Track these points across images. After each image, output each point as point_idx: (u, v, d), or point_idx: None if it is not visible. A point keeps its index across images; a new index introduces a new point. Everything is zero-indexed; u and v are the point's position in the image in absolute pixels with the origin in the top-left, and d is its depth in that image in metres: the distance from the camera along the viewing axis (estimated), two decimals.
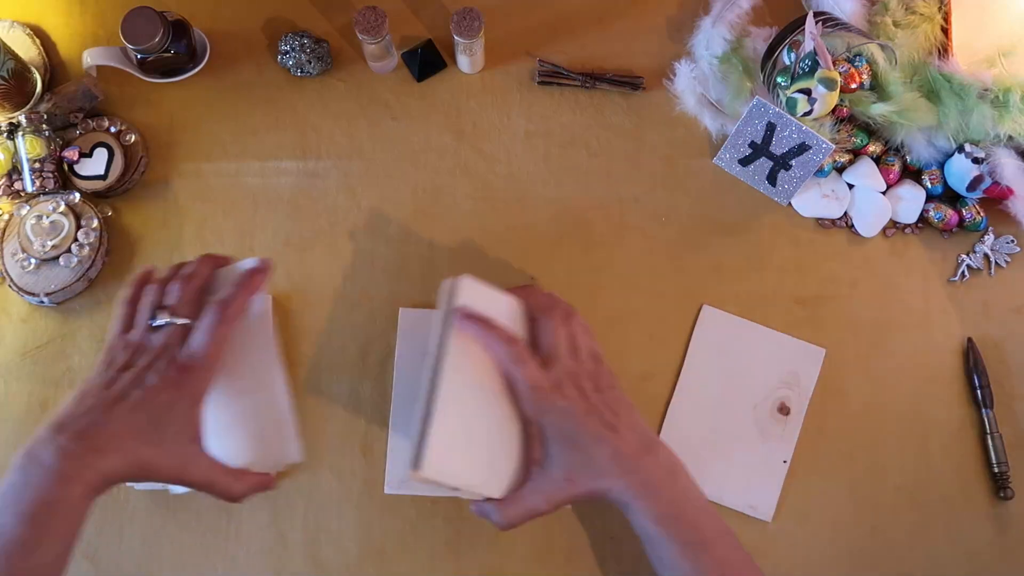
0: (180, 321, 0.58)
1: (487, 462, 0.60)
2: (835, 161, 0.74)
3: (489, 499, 0.59)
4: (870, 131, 0.75)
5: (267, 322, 0.65)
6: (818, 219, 0.75)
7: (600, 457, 0.57)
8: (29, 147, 0.71)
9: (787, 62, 0.71)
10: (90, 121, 0.74)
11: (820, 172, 0.74)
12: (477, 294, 0.62)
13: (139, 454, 0.53)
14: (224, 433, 0.61)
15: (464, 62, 0.76)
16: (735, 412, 0.71)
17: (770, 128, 0.70)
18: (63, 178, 0.73)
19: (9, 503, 0.49)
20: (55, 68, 0.77)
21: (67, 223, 0.71)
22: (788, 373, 0.71)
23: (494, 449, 0.60)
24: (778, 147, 0.71)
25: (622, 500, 0.57)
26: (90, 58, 0.72)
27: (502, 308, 0.63)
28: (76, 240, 0.71)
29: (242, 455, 0.61)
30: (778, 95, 0.71)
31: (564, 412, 0.58)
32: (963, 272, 0.74)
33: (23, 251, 0.71)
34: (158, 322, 0.58)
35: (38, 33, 0.77)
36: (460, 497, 0.62)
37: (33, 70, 0.74)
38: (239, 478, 0.58)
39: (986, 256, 0.75)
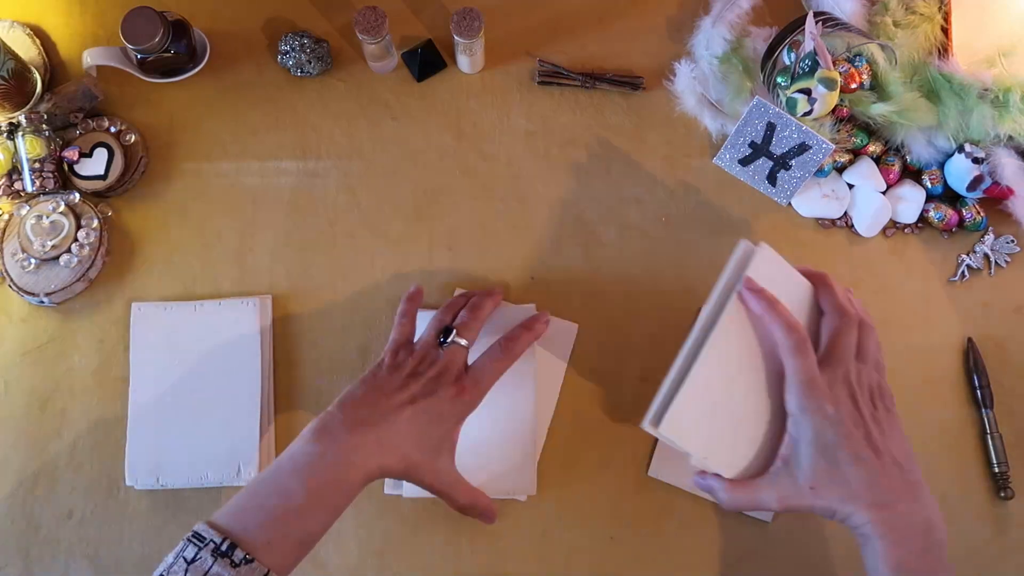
0: (464, 342, 0.63)
1: (727, 438, 0.58)
2: (835, 161, 0.74)
3: (718, 476, 0.58)
4: (870, 131, 0.75)
5: (532, 362, 0.69)
6: (818, 219, 0.75)
7: (854, 479, 0.54)
8: (29, 147, 0.71)
9: (787, 62, 0.71)
10: (90, 121, 0.74)
11: (820, 172, 0.74)
12: (772, 267, 0.60)
13: (413, 458, 0.58)
14: (474, 452, 0.66)
15: (464, 62, 0.76)
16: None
17: (770, 128, 0.70)
18: (63, 178, 0.73)
19: (301, 471, 0.55)
20: (55, 68, 0.77)
21: (67, 223, 0.71)
22: None
23: (738, 429, 0.59)
24: (778, 147, 0.71)
25: (862, 532, 0.55)
26: (90, 58, 0.72)
27: (792, 289, 0.61)
28: (76, 240, 0.71)
29: (482, 476, 0.66)
30: (778, 95, 0.71)
31: (829, 418, 0.55)
32: (963, 272, 0.74)
33: (23, 251, 0.71)
34: (448, 341, 0.62)
35: (38, 33, 0.77)
36: (691, 464, 0.60)
37: (33, 70, 0.74)
38: (475, 497, 0.62)
39: (986, 256, 0.75)
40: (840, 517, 0.56)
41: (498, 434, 0.67)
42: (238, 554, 0.50)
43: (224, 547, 0.50)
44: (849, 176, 0.75)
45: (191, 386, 0.69)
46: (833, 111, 0.71)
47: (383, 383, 0.60)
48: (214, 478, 0.68)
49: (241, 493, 0.54)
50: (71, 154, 0.73)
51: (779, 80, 0.71)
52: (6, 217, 0.72)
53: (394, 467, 0.57)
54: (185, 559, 0.50)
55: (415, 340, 0.64)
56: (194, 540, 0.51)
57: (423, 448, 0.59)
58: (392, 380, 0.60)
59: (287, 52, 0.75)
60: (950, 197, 0.75)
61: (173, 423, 0.68)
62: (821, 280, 0.63)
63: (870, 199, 0.74)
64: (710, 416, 0.58)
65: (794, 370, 0.57)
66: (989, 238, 0.75)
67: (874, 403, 0.58)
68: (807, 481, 0.55)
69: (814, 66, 0.68)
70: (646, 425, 0.58)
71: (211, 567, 0.49)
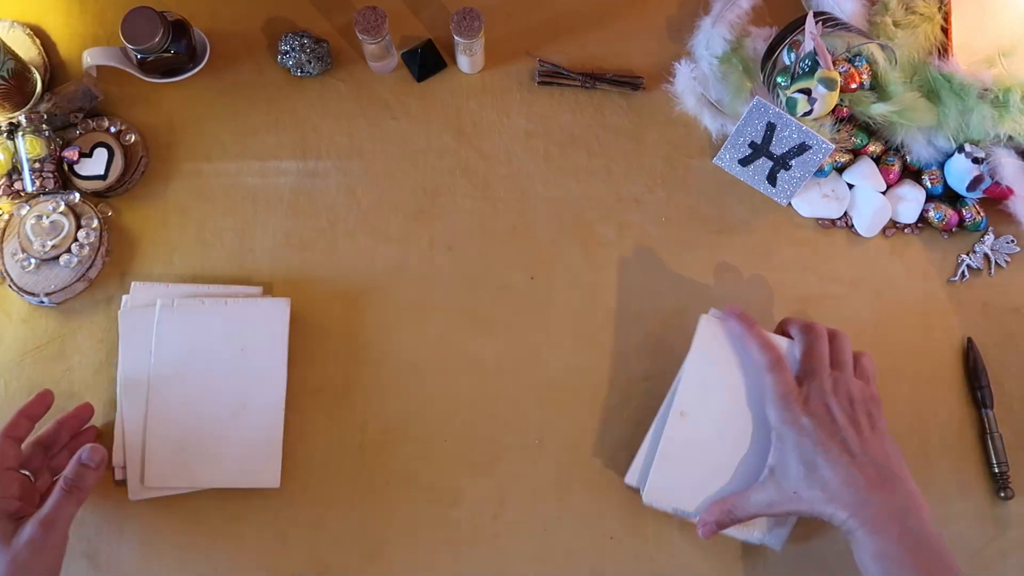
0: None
1: (714, 480, 0.63)
2: (835, 161, 0.74)
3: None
4: (870, 131, 0.75)
5: (282, 352, 0.69)
6: (818, 219, 0.75)
7: (831, 482, 0.58)
8: (29, 147, 0.71)
9: (787, 62, 0.71)
10: (90, 121, 0.74)
11: (820, 172, 0.74)
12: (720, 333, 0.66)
13: None
14: (219, 441, 0.66)
15: (464, 62, 0.76)
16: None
17: (770, 128, 0.70)
18: (63, 178, 0.73)
19: None
20: (55, 68, 0.77)
21: (67, 223, 0.71)
22: None
23: (726, 464, 0.63)
24: (778, 147, 0.71)
25: (846, 529, 0.58)
26: (90, 58, 0.72)
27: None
28: (76, 240, 0.71)
29: (228, 466, 0.66)
30: (778, 95, 0.71)
31: (804, 429, 0.59)
32: (963, 272, 0.74)
33: (23, 251, 0.71)
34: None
35: (38, 33, 0.77)
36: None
37: (33, 70, 0.74)
38: None
39: (986, 256, 0.75)
40: (826, 518, 0.59)
41: (244, 422, 0.67)
42: None
43: None
44: (849, 176, 0.75)
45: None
46: (833, 111, 0.71)
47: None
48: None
49: None
50: (71, 154, 0.73)
51: (779, 80, 0.71)
52: (6, 217, 0.72)
53: None
54: None
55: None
56: None
57: None
58: None
59: (287, 52, 0.75)
60: (950, 197, 0.75)
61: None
62: (783, 321, 0.67)
63: (870, 199, 0.74)
64: (693, 469, 0.64)
65: (771, 386, 0.61)
66: (989, 238, 0.75)
67: (853, 408, 0.60)
68: (791, 487, 0.59)
69: (814, 66, 0.68)
70: (629, 482, 0.65)
71: None
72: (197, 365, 0.68)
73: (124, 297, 0.70)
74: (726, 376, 0.65)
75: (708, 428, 0.64)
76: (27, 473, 0.61)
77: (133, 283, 0.70)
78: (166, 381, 0.68)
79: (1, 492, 0.58)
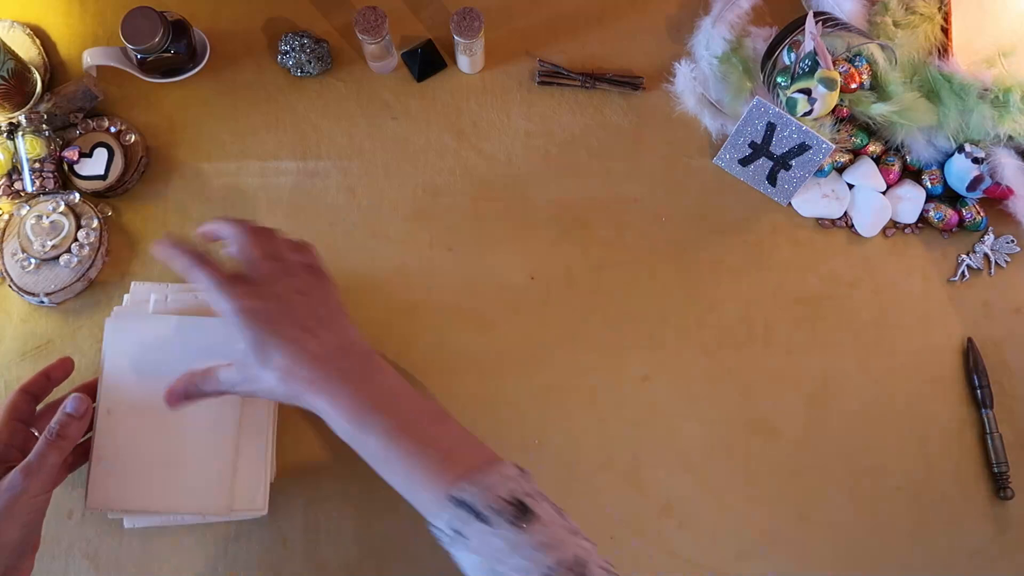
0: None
1: (157, 477, 0.62)
2: (835, 161, 0.74)
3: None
4: (870, 131, 0.75)
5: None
6: (818, 219, 0.75)
7: (282, 361, 0.54)
8: (29, 147, 0.71)
9: (787, 62, 0.71)
10: (90, 121, 0.74)
11: (820, 172, 0.74)
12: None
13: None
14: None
15: (464, 62, 0.76)
16: None
17: (770, 128, 0.70)
18: (63, 178, 0.73)
19: None
20: (55, 68, 0.77)
21: (67, 223, 0.71)
22: None
23: (164, 454, 0.62)
24: (778, 147, 0.71)
25: (315, 409, 0.54)
26: (90, 58, 0.72)
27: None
28: (76, 240, 0.71)
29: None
30: (778, 95, 0.71)
31: (247, 313, 0.55)
32: (963, 272, 0.74)
33: (23, 251, 0.71)
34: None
35: (38, 33, 0.77)
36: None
37: (33, 70, 0.74)
38: None
39: (986, 256, 0.75)
40: (292, 401, 0.55)
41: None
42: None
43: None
44: (849, 176, 0.75)
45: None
46: (833, 111, 0.71)
47: None
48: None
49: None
50: (71, 154, 0.73)
51: (779, 80, 0.71)
52: (6, 217, 0.72)
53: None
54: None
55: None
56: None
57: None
58: None
59: (287, 52, 0.75)
60: (950, 197, 0.75)
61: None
62: (214, 226, 0.61)
63: (870, 199, 0.74)
64: (137, 464, 0.61)
65: (208, 288, 0.56)
66: (989, 238, 0.75)
67: (303, 292, 0.58)
68: (251, 372, 0.55)
69: (814, 66, 0.68)
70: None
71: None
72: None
73: (125, 296, 0.70)
74: (146, 368, 0.62)
75: (138, 420, 0.62)
76: (35, 432, 0.61)
77: (133, 283, 0.70)
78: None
79: (7, 440, 0.59)
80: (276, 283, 0.57)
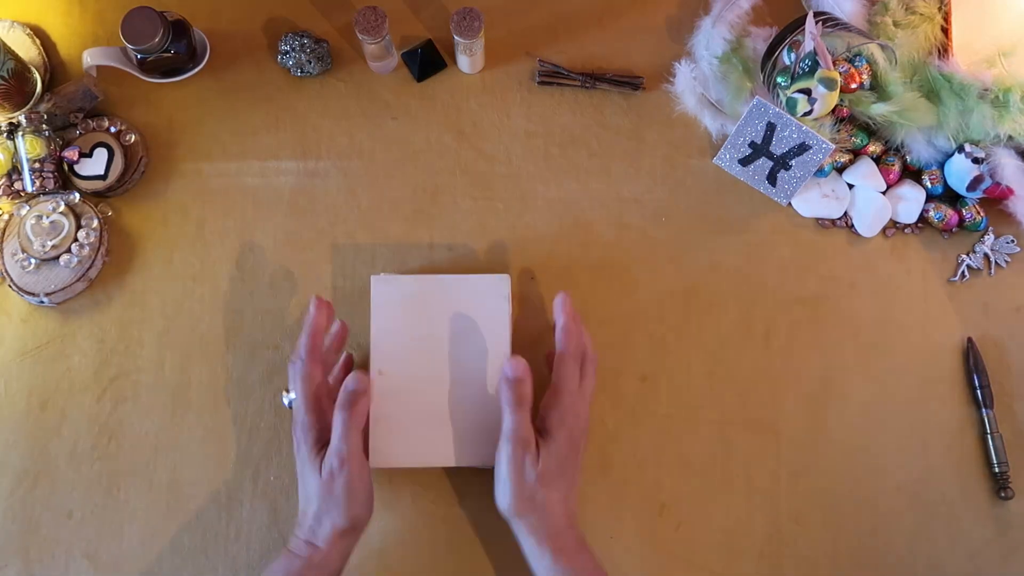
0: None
1: (425, 433, 0.64)
2: (835, 161, 0.74)
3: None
4: (870, 131, 0.75)
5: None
6: (818, 219, 0.75)
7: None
8: (29, 147, 0.71)
9: (787, 62, 0.71)
10: (90, 121, 0.74)
11: (820, 172, 0.74)
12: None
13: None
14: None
15: (464, 62, 0.76)
16: None
17: (770, 128, 0.70)
18: (63, 178, 0.73)
19: None
20: (55, 68, 0.77)
21: (67, 223, 0.71)
22: None
23: (430, 411, 0.64)
24: (778, 147, 0.71)
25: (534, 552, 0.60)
26: (90, 58, 0.72)
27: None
28: (76, 240, 0.71)
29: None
30: (778, 95, 0.71)
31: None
32: (963, 272, 0.74)
33: (23, 251, 0.71)
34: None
35: (38, 33, 0.77)
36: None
37: (33, 70, 0.74)
38: None
39: (986, 256, 0.75)
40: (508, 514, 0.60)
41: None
42: None
43: None
44: (849, 176, 0.75)
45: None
46: (833, 111, 0.71)
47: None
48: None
49: None
50: (71, 154, 0.73)
51: (779, 80, 0.71)
52: (6, 217, 0.72)
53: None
54: None
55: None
56: None
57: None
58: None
59: (287, 52, 0.75)
60: (950, 197, 0.75)
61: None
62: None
63: (870, 199, 0.74)
64: (408, 421, 0.64)
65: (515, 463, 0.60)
66: (989, 238, 0.75)
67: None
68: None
69: (814, 66, 0.68)
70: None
71: None
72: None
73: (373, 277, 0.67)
74: (410, 328, 0.65)
75: (407, 379, 0.64)
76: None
77: (372, 277, 0.67)
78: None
79: (318, 420, 0.62)
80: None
